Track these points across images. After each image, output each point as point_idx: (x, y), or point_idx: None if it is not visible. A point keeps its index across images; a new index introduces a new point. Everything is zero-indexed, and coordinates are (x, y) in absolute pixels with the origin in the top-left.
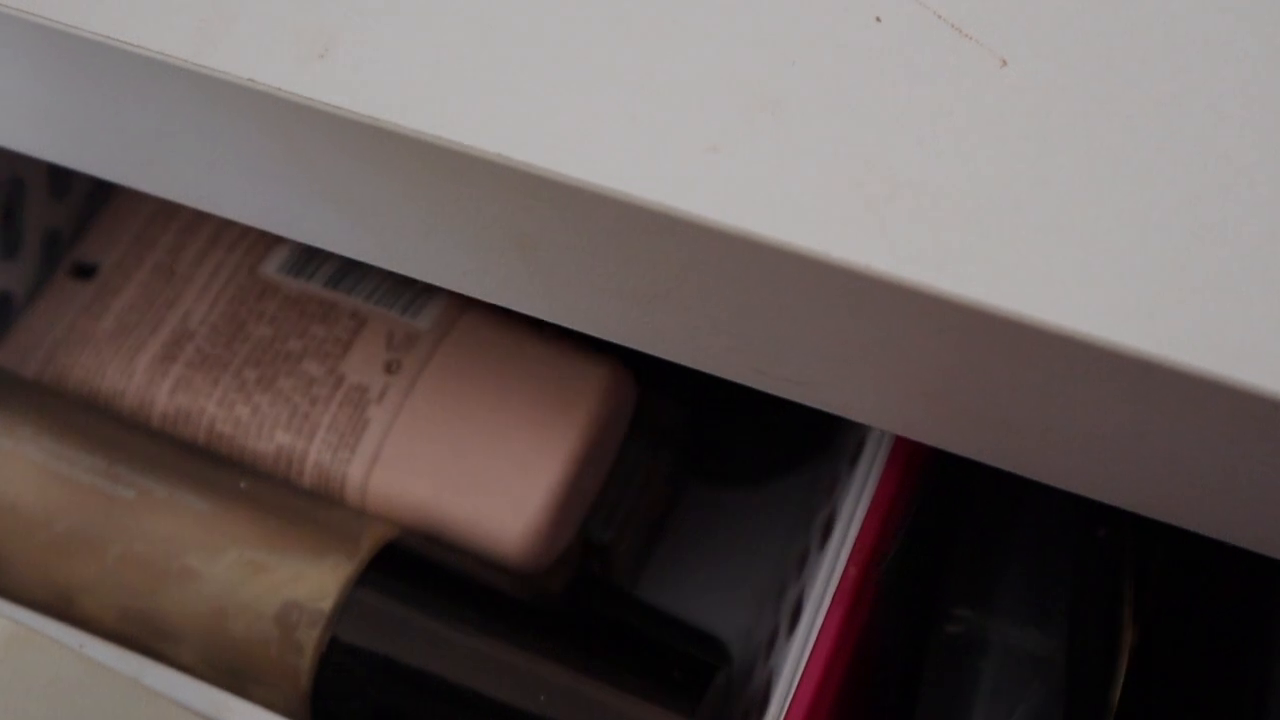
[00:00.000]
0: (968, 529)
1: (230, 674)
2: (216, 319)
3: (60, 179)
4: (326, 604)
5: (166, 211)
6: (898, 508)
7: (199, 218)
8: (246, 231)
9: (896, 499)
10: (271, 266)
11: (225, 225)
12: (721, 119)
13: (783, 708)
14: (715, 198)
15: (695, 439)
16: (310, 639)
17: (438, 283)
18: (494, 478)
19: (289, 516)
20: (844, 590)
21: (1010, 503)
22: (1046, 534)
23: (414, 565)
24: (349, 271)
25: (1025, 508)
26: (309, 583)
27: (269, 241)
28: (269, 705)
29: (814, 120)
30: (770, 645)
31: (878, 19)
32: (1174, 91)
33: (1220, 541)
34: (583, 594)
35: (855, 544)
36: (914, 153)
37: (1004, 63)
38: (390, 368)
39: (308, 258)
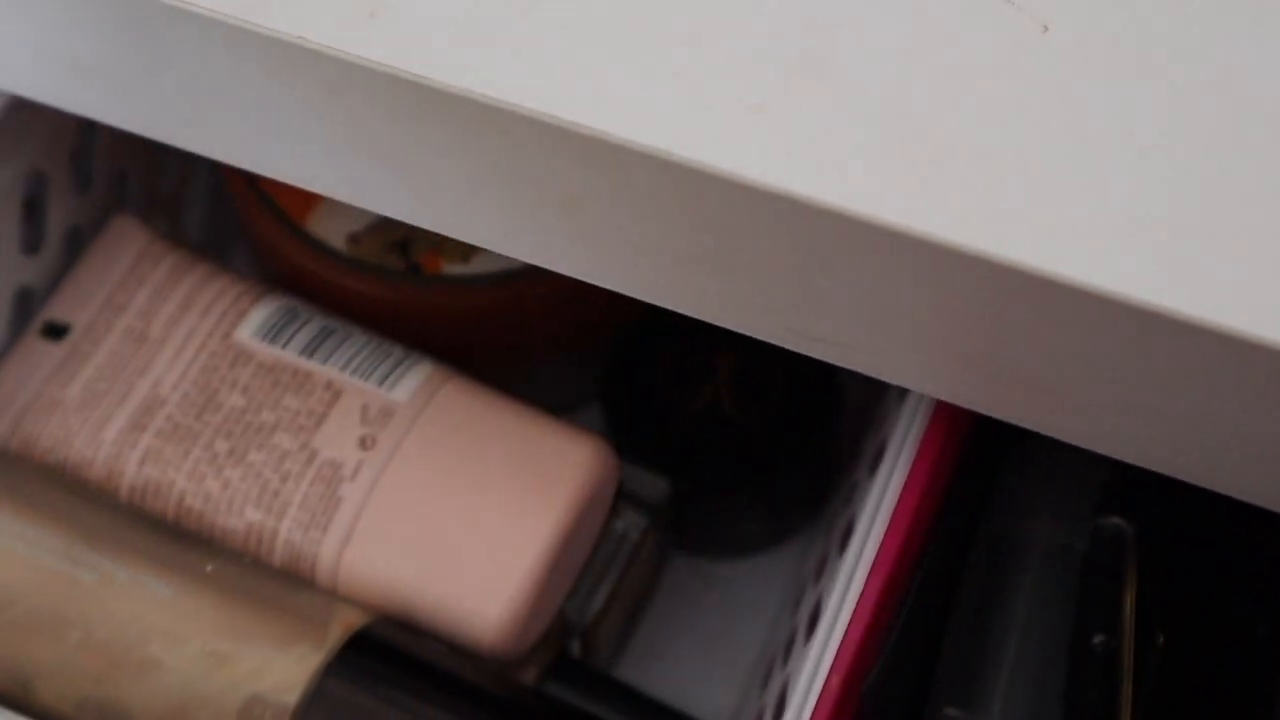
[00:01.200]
0: (961, 628)
1: None
2: (188, 387)
3: (34, 232)
4: (292, 697)
5: (139, 272)
6: (884, 609)
7: (172, 279)
8: (221, 295)
9: (883, 597)
10: (246, 332)
11: (200, 288)
12: (766, 79)
13: None
14: (759, 158)
15: (681, 512)
16: None
17: (478, 243)
18: (471, 560)
19: (256, 602)
20: (825, 701)
21: (1004, 608)
22: (1043, 640)
23: (384, 654)
24: (326, 338)
25: (1020, 612)
26: (274, 674)
27: (244, 306)
28: None
29: (858, 82)
30: None
31: None
32: (1215, 57)
33: (1227, 650)
34: (562, 677)
35: (837, 654)
36: (957, 115)
37: (1046, 28)
38: (365, 443)
39: (284, 323)
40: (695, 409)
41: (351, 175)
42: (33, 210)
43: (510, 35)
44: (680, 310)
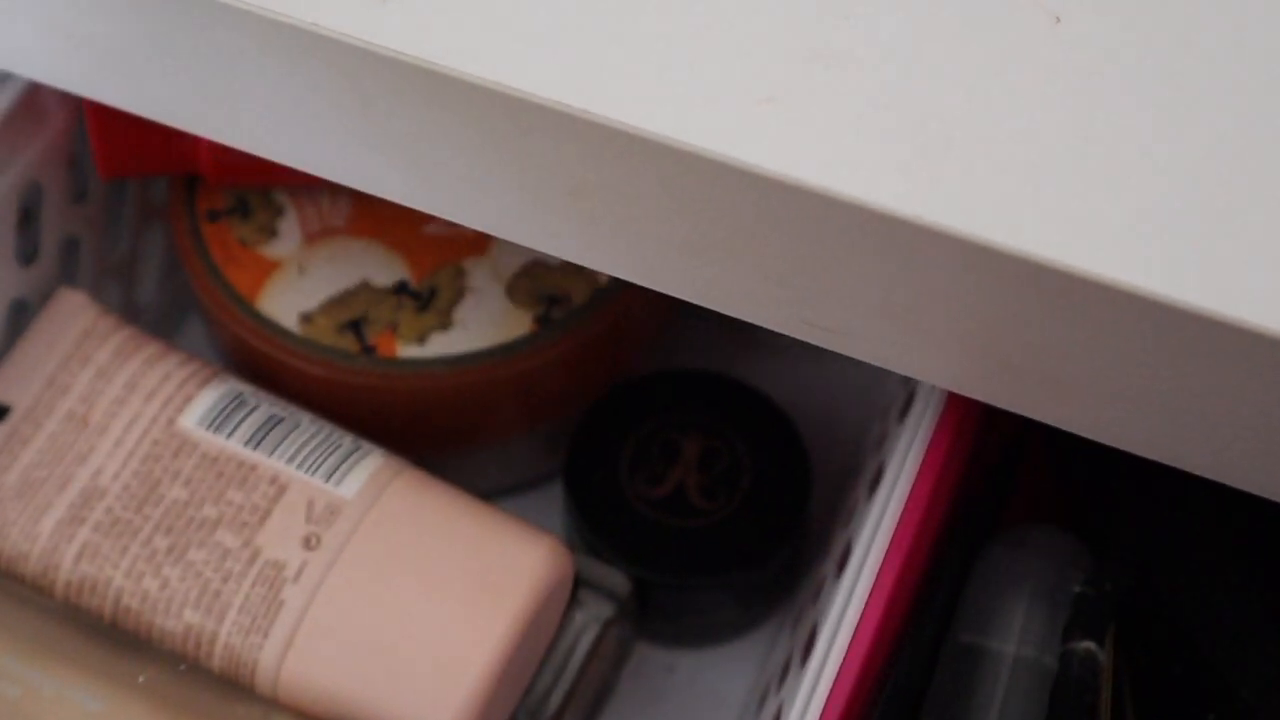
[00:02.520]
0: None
1: None
2: (129, 478)
3: None
4: None
5: (84, 351)
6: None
7: (117, 360)
8: (166, 379)
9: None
10: (191, 420)
11: (145, 371)
12: (777, 71)
13: None
14: (770, 148)
15: (643, 603)
16: None
17: (488, 230)
18: (418, 670)
19: (190, 716)
20: None
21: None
22: None
23: None
24: (273, 428)
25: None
26: None
27: (189, 391)
28: None
29: (869, 73)
30: None
31: None
32: (1228, 51)
33: None
34: None
35: None
36: (967, 106)
37: (1058, 20)
38: (309, 543)
39: (230, 411)
40: (659, 495)
41: (361, 162)
42: None
43: (523, 23)
44: (689, 299)
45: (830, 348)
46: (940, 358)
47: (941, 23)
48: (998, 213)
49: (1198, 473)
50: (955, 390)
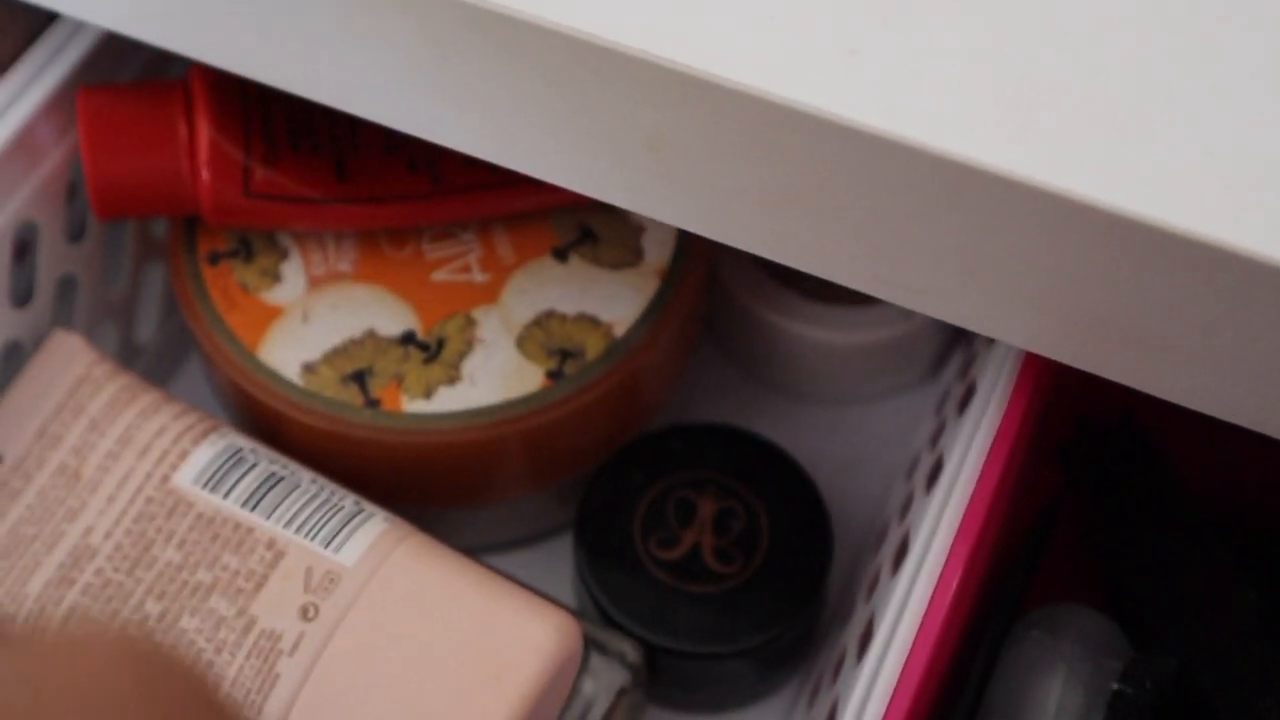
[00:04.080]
0: None
1: None
2: (121, 537)
3: None
4: None
5: (77, 400)
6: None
7: (112, 411)
8: (162, 433)
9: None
10: (187, 478)
11: (140, 424)
12: (862, 22)
13: None
14: (854, 99)
15: (655, 670)
16: None
17: (560, 183)
18: None
19: None
20: None
21: None
22: None
23: None
24: (271, 488)
25: None
26: None
27: (185, 447)
28: None
29: (955, 26)
30: None
31: None
32: None
33: None
34: None
35: None
36: (1054, 59)
37: None
38: (307, 613)
39: (227, 469)
40: (673, 558)
41: (436, 112)
42: None
43: None
44: (765, 255)
45: (910, 306)
46: (1022, 317)
47: None
48: (1087, 167)
49: None
50: (1038, 351)
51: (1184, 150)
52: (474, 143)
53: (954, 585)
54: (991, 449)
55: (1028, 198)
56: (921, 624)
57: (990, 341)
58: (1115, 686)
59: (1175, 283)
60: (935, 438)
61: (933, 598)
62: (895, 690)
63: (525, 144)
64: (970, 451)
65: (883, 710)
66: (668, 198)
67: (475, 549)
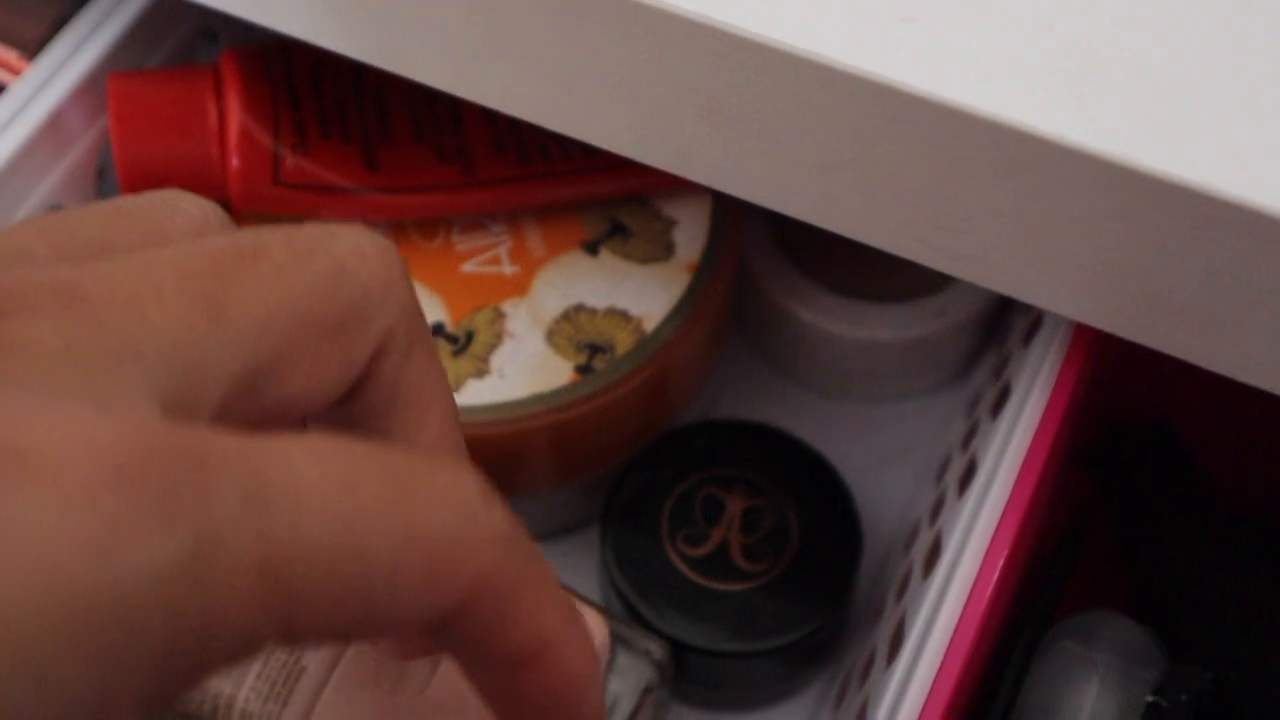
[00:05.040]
0: None
1: None
2: None
3: None
4: None
5: None
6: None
7: None
8: None
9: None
10: None
11: None
12: None
13: None
14: (911, 64)
15: (682, 670)
16: None
17: (614, 148)
18: None
19: None
20: None
21: None
22: None
23: None
24: None
25: None
26: None
27: None
28: None
29: None
30: None
31: None
32: None
33: None
34: None
35: None
36: (1112, 27)
37: None
38: None
39: None
40: (700, 555)
41: (491, 76)
42: None
43: None
44: (817, 223)
45: (961, 275)
46: (1073, 287)
47: None
48: (1147, 136)
49: None
50: (1088, 322)
51: (1244, 121)
52: (530, 107)
53: (989, 593)
54: (1028, 454)
55: (1085, 166)
56: (955, 631)
57: (1025, 342)
58: (1150, 698)
59: (1234, 254)
60: (967, 439)
61: (967, 604)
62: (928, 698)
63: (581, 108)
64: (1005, 456)
65: (915, 717)
66: (721, 165)
67: None
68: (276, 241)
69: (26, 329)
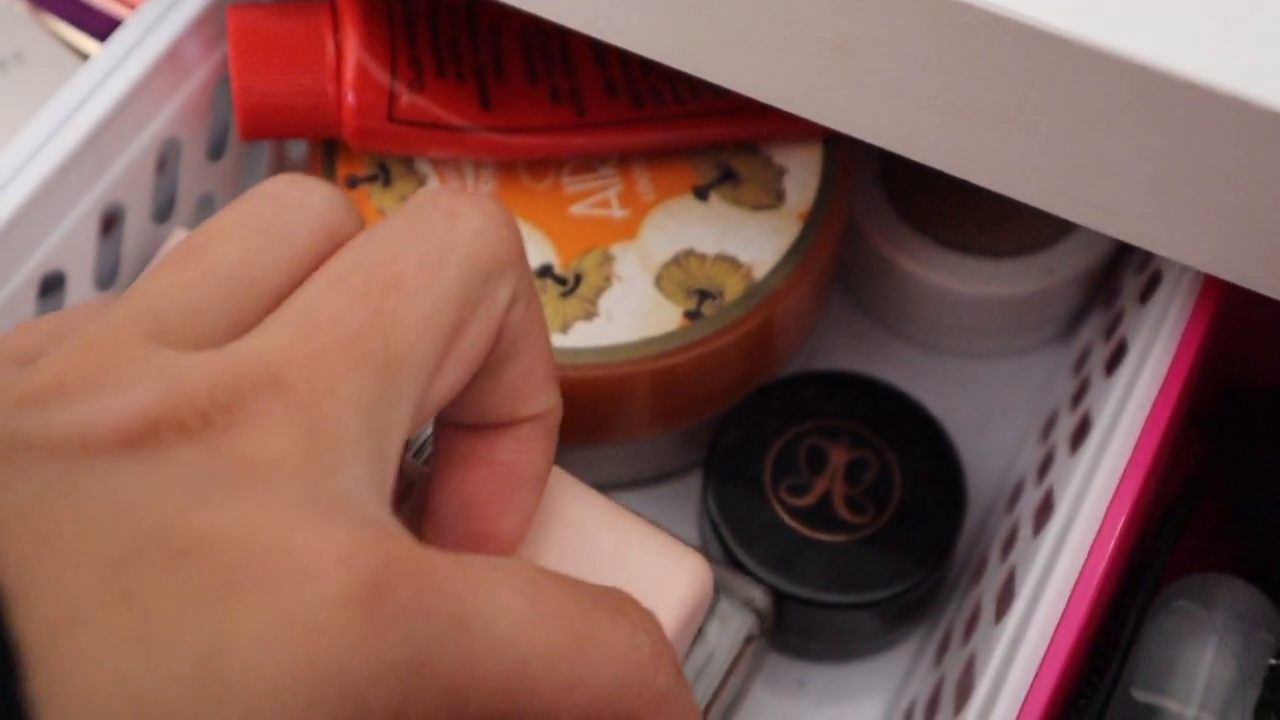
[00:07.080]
0: None
1: None
2: None
3: None
4: None
5: None
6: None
7: None
8: None
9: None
10: None
11: None
12: None
13: None
14: (1054, 4)
15: (780, 618)
16: None
17: (739, 88)
18: None
19: None
20: None
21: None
22: None
23: None
24: None
25: None
26: None
27: None
28: None
29: None
30: None
31: None
32: None
33: None
34: None
35: None
36: None
37: None
38: None
39: None
40: (803, 505)
41: (616, 13)
42: None
43: None
44: (948, 169)
45: (1092, 225)
46: (1209, 238)
47: None
48: None
49: None
50: (1221, 275)
51: None
52: (653, 44)
53: (1108, 552)
54: (1150, 413)
55: (1234, 112)
56: (1074, 590)
57: (1142, 299)
58: (1273, 661)
59: None
60: (1077, 397)
61: (1086, 564)
62: (1045, 656)
63: (706, 47)
64: (1124, 414)
65: (1030, 676)
66: (850, 106)
67: (597, 487)
68: (406, 260)
69: (263, 443)
